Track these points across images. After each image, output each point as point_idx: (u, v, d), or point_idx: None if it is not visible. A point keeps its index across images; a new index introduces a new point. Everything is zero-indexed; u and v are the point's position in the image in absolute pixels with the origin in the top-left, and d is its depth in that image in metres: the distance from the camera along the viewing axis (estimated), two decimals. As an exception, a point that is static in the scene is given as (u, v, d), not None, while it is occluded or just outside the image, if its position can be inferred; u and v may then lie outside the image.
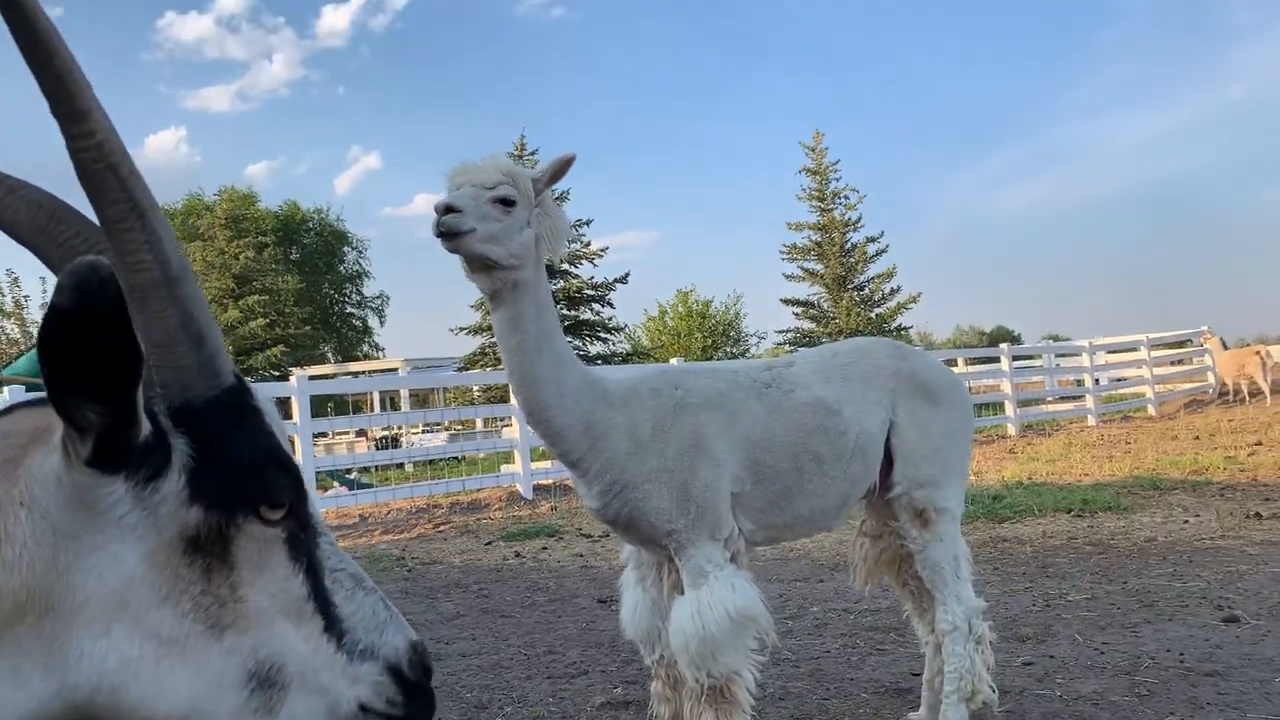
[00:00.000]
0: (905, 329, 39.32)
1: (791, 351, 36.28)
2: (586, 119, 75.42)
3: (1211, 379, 22.05)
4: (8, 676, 0.94)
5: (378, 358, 41.04)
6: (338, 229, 45.47)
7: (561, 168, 3.01)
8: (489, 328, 32.72)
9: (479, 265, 2.83)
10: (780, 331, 41.57)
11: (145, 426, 1.00)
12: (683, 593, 3.12)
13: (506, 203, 2.82)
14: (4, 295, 34.81)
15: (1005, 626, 4.91)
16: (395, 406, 25.89)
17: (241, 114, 66.18)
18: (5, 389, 10.43)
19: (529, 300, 2.93)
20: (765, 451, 3.19)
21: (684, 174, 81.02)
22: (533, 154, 33.78)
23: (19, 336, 33.66)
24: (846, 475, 3.28)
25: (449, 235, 2.75)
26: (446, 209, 2.74)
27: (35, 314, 34.15)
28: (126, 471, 0.99)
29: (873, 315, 38.59)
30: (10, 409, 1.08)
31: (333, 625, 1.13)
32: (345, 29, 68.89)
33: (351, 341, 45.44)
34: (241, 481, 1.07)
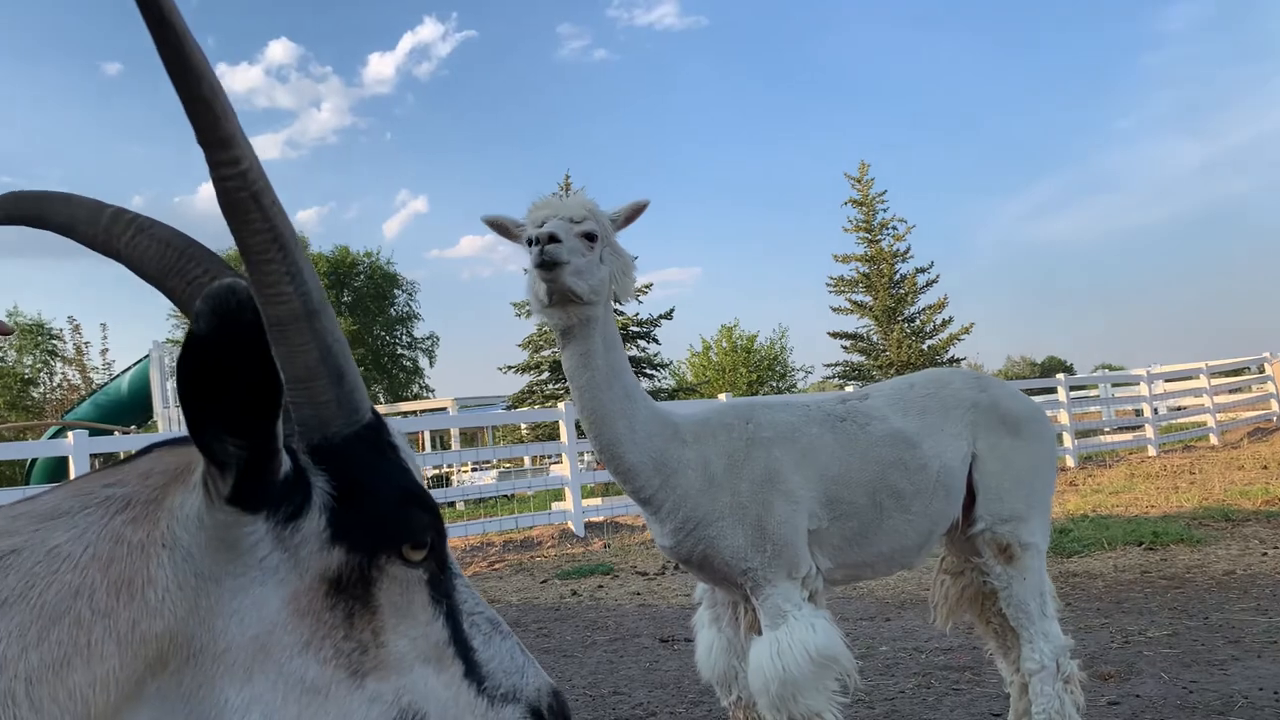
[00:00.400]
0: (958, 361, 38.83)
1: (841, 386, 36.01)
2: (629, 158, 76.09)
3: (1276, 406, 21.47)
4: None
5: (427, 398, 41.37)
6: (388, 272, 46.08)
7: (636, 212, 3.06)
8: (536, 366, 32.93)
9: (561, 299, 2.82)
10: (829, 365, 41.25)
11: (284, 464, 0.96)
12: (760, 633, 3.05)
13: (590, 238, 2.82)
14: (65, 342, 35.70)
15: (1085, 664, 4.72)
16: (445, 445, 26.01)
17: (291, 161, 67.38)
18: (70, 434, 10.64)
19: (598, 336, 2.92)
20: (842, 487, 3.12)
21: (724, 209, 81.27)
22: (577, 194, 34.03)
23: (80, 382, 34.41)
24: (928, 511, 3.20)
25: (550, 265, 2.74)
26: (550, 238, 2.73)
27: (95, 359, 34.95)
28: (267, 510, 0.96)
29: (924, 347, 38.17)
30: (150, 448, 1.05)
31: (473, 670, 1.08)
32: (391, 76, 70.13)
33: (402, 382, 45.86)
34: (384, 520, 1.03)
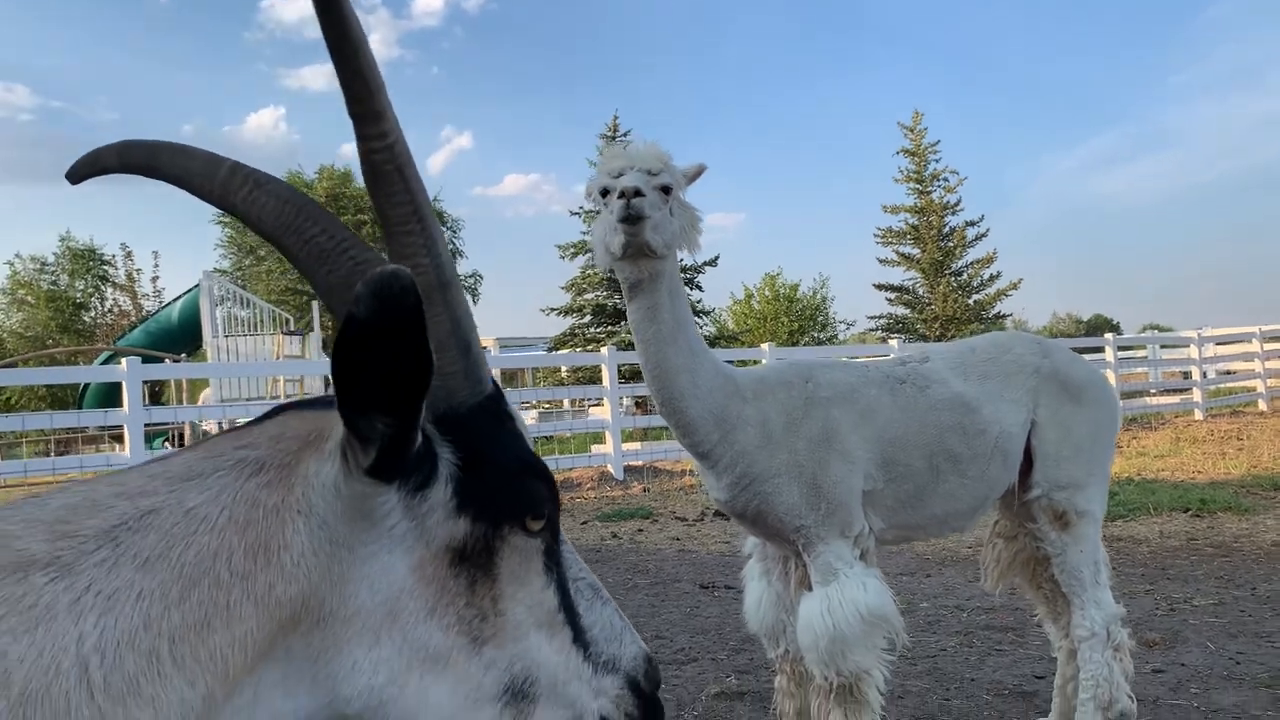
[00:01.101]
0: (1003, 316, 38.28)
1: (883, 339, 35.67)
2: (677, 99, 75.26)
3: (1331, 374, 21.01)
4: (279, 686, 0.93)
5: (469, 336, 41.55)
6: (433, 208, 46.03)
7: (698, 174, 3.02)
8: (579, 309, 32.91)
9: (636, 252, 2.78)
10: (872, 317, 40.79)
11: (417, 435, 0.98)
12: (810, 589, 3.07)
13: (666, 190, 2.79)
14: (117, 268, 36.26)
15: (1130, 631, 4.74)
16: (486, 384, 26.27)
17: (338, 93, 67.11)
18: (123, 360, 10.87)
19: (665, 290, 2.90)
20: (899, 449, 3.11)
21: (772, 155, 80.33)
22: (625, 135, 33.69)
23: (131, 308, 35.01)
24: (984, 476, 3.18)
25: (635, 219, 2.71)
26: (636, 192, 2.70)
27: (146, 286, 35.51)
28: (400, 480, 0.98)
29: (970, 302, 37.67)
30: (277, 411, 1.07)
31: (579, 637, 1.12)
32: (439, 8, 69.79)
33: (444, 320, 46.00)
34: (507, 491, 1.05)
